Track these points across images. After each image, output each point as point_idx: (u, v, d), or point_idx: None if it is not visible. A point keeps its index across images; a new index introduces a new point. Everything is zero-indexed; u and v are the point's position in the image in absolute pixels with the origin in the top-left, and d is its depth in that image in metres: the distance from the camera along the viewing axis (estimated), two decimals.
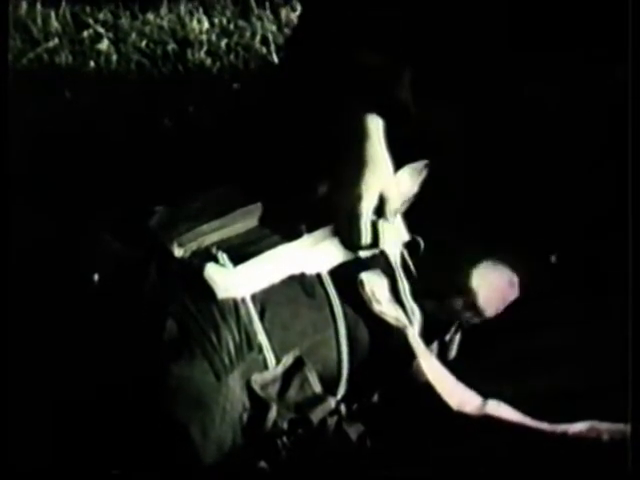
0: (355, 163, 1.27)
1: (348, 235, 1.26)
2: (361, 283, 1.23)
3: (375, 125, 1.29)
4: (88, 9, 2.31)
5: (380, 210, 1.27)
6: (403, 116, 1.30)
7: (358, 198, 1.25)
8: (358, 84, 1.29)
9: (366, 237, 1.25)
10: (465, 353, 1.29)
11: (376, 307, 1.23)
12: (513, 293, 1.30)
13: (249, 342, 1.19)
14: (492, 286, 1.28)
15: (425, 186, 1.31)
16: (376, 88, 1.29)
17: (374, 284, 1.23)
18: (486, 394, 1.21)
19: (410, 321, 1.25)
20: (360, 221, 1.25)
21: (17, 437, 1.14)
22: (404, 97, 1.29)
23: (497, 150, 1.31)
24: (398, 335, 1.24)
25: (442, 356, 1.29)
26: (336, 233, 1.27)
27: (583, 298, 1.30)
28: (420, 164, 1.31)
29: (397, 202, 1.29)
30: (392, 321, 1.23)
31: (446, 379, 1.22)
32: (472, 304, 1.27)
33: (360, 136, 1.28)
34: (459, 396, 1.21)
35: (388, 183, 1.28)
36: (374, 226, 1.26)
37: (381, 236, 1.26)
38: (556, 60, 1.25)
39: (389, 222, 1.27)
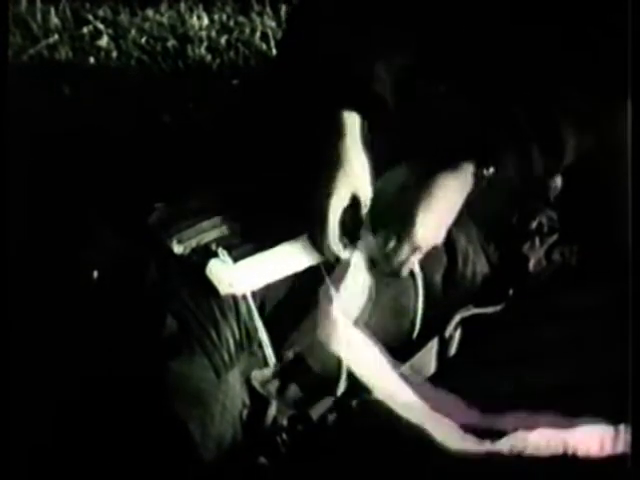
0: (328, 161, 1.24)
1: (317, 236, 1.22)
2: None
3: (351, 122, 1.25)
4: (88, 5, 2.31)
5: (353, 213, 1.23)
6: (380, 111, 1.27)
7: (327, 197, 1.22)
8: (334, 80, 1.26)
9: (334, 238, 1.21)
10: (465, 349, 1.29)
11: None
12: None
13: (249, 339, 1.19)
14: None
15: None
16: (352, 83, 1.26)
17: None
18: (486, 389, 1.22)
19: None
20: (327, 221, 1.21)
21: (17, 433, 1.14)
22: (380, 91, 1.26)
23: None
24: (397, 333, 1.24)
25: (442, 353, 1.29)
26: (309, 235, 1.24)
27: (583, 293, 1.30)
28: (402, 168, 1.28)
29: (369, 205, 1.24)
30: None
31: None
32: None
33: (335, 133, 1.25)
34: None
35: (362, 185, 1.24)
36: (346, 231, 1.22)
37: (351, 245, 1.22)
38: None
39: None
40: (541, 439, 1.13)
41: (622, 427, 1.12)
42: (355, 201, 1.23)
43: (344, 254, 1.22)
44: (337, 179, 1.22)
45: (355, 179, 1.23)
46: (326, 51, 1.27)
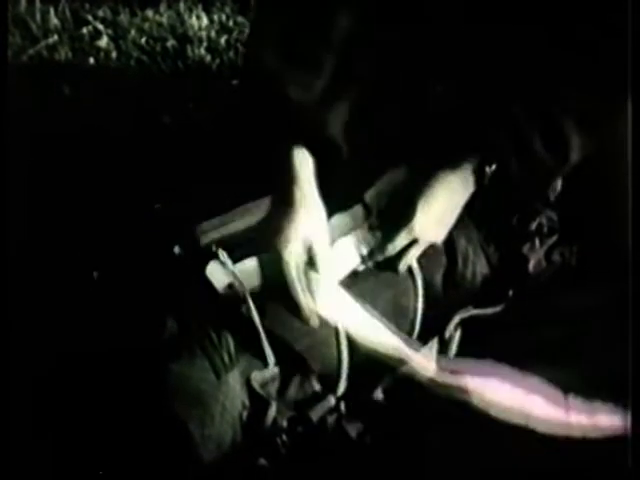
0: (283, 204, 1.21)
1: (283, 280, 1.19)
2: None
3: (305, 164, 1.23)
4: (87, 6, 2.31)
5: (309, 260, 1.20)
6: (334, 153, 1.25)
7: (285, 243, 1.19)
8: (287, 120, 1.24)
9: (301, 283, 1.18)
10: (465, 349, 1.29)
11: None
12: None
13: (249, 340, 1.19)
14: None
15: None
16: (305, 124, 1.24)
17: None
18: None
19: None
20: (290, 268, 1.18)
21: (17, 433, 1.14)
22: (334, 134, 1.24)
23: None
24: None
25: (442, 353, 1.29)
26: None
27: (583, 293, 1.30)
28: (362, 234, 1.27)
29: (327, 254, 1.21)
30: None
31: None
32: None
33: (289, 175, 1.22)
34: None
35: (317, 231, 1.21)
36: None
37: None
38: None
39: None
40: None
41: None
42: (308, 248, 1.20)
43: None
44: (294, 223, 1.20)
45: (310, 223, 1.21)
46: (280, 90, 1.25)
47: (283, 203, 1.22)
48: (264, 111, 1.27)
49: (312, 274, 1.20)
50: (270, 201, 1.24)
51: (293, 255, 1.19)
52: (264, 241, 1.21)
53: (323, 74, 1.25)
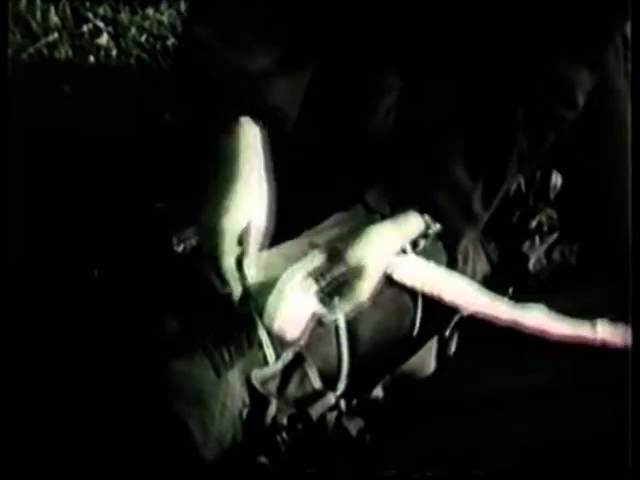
0: (225, 177, 1.19)
1: (212, 255, 1.17)
2: None
3: (252, 136, 1.20)
4: (88, 3, 2.31)
5: (244, 239, 1.18)
6: (280, 123, 1.22)
7: (222, 214, 1.16)
8: (232, 88, 1.21)
9: (230, 260, 1.16)
10: (464, 348, 1.30)
11: None
12: None
13: (249, 338, 1.19)
14: None
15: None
16: (249, 92, 1.20)
17: None
18: (485, 390, 1.22)
19: None
20: (223, 239, 1.16)
21: (18, 432, 1.14)
22: (279, 103, 1.21)
23: None
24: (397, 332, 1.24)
25: (442, 352, 1.29)
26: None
27: (583, 293, 1.31)
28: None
29: (261, 236, 1.18)
30: None
31: None
32: None
33: (233, 148, 1.19)
34: None
35: (257, 209, 1.19)
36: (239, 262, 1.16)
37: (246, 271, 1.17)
38: None
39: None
40: None
41: None
42: (247, 226, 1.18)
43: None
44: (232, 197, 1.17)
45: (252, 199, 1.19)
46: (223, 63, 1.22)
47: (222, 176, 1.19)
48: (202, 86, 1.23)
49: (246, 246, 1.17)
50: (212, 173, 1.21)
51: (227, 228, 1.16)
52: (206, 214, 1.19)
53: (272, 46, 1.22)
